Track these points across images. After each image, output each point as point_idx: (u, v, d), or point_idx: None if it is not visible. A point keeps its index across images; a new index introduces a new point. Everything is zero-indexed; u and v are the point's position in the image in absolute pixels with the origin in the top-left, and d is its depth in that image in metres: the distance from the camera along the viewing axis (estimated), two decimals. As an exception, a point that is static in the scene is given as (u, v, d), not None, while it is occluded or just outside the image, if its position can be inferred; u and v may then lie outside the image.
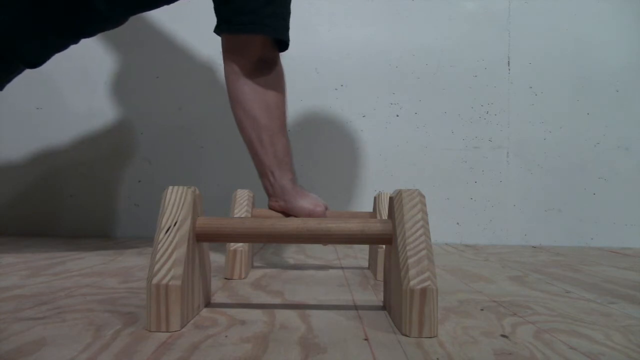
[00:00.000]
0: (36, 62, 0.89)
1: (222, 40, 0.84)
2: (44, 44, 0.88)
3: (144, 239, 1.30)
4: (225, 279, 0.75)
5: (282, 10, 0.82)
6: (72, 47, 0.93)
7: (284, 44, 0.84)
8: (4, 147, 1.39)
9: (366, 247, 1.06)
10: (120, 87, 1.39)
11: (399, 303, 0.47)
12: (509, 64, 1.39)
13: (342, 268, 0.88)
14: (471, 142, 1.38)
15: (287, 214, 0.82)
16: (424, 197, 0.52)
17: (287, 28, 0.83)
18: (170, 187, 0.52)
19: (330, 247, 1.18)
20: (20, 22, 0.81)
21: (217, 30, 0.82)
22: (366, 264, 0.93)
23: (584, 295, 0.67)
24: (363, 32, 1.40)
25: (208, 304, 0.58)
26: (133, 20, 0.94)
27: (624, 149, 1.37)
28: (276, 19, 0.80)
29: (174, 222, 0.49)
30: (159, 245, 0.48)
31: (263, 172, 0.84)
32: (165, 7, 0.90)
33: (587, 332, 0.48)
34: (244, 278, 0.76)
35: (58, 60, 0.95)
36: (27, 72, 0.94)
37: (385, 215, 0.78)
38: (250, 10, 0.78)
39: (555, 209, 1.37)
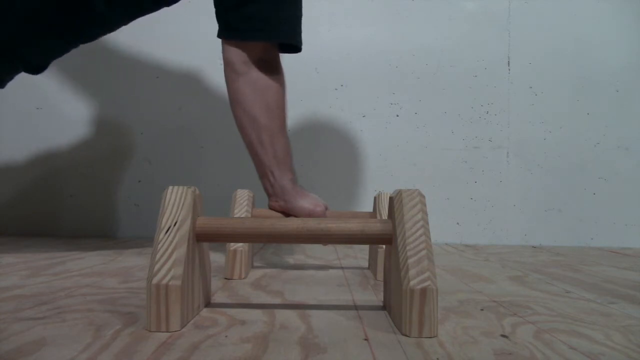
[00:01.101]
0: (38, 67, 0.90)
1: (223, 41, 0.83)
2: (45, 49, 0.88)
3: (144, 239, 1.30)
4: (225, 279, 0.75)
5: (289, 14, 0.82)
6: (72, 47, 0.93)
7: (293, 47, 0.84)
8: (4, 147, 1.39)
9: (366, 247, 1.06)
10: (120, 87, 1.39)
11: (399, 303, 0.47)
12: (509, 64, 1.39)
13: (342, 268, 0.88)
14: (471, 142, 1.38)
15: (287, 214, 0.82)
16: (424, 197, 0.52)
17: (295, 31, 0.83)
18: (170, 187, 0.52)
19: (330, 247, 1.18)
20: (22, 26, 0.81)
21: (222, 35, 0.82)
22: (366, 264, 0.93)
23: (584, 295, 0.67)
24: (363, 32, 1.40)
25: (208, 304, 0.58)
26: (133, 20, 0.94)
27: (624, 149, 1.37)
28: (281, 23, 0.81)
29: (174, 222, 0.49)
30: (159, 245, 0.48)
31: (263, 172, 0.84)
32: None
33: (587, 332, 0.48)
34: (244, 278, 0.76)
35: (58, 61, 0.95)
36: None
37: (385, 215, 0.78)
38: (251, 16, 0.78)
39: (555, 209, 1.37)
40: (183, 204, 0.51)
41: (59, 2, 0.80)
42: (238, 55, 0.82)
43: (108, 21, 0.88)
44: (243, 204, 0.81)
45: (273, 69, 0.84)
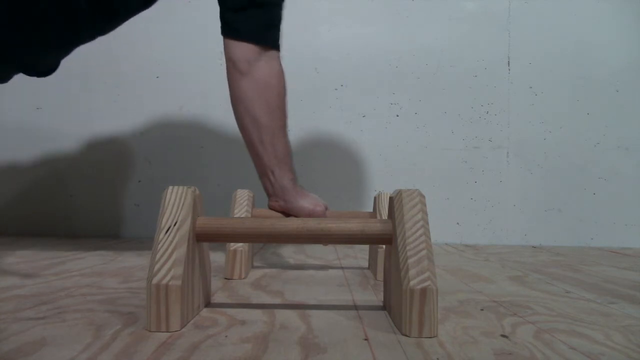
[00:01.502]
0: (45, 70, 0.90)
1: (225, 39, 0.84)
2: (38, 50, 0.88)
3: (144, 239, 1.30)
4: (225, 279, 0.75)
5: (279, 20, 0.85)
6: (72, 47, 0.93)
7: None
8: (4, 147, 1.39)
9: (366, 247, 1.06)
10: (120, 86, 1.39)
11: (399, 303, 0.47)
12: (509, 64, 1.39)
13: (342, 268, 0.88)
14: (471, 142, 1.38)
15: (287, 214, 0.82)
16: (424, 197, 0.52)
17: (278, 37, 0.87)
18: (170, 187, 0.52)
19: (330, 247, 1.18)
20: (16, 26, 0.81)
21: (225, 33, 0.82)
22: (366, 264, 0.93)
23: (584, 295, 0.67)
24: (363, 32, 1.40)
25: (208, 304, 0.58)
26: (133, 19, 0.94)
27: (624, 149, 1.37)
28: (274, 28, 0.83)
29: (174, 222, 0.49)
30: (159, 245, 0.48)
31: (263, 172, 0.84)
32: (166, 6, 0.90)
33: (587, 332, 0.48)
34: (244, 278, 0.76)
35: (58, 60, 0.95)
36: (27, 72, 0.94)
37: (385, 215, 0.78)
38: (254, 18, 0.79)
39: (555, 209, 1.37)
40: (183, 204, 0.51)
41: (49, 3, 0.80)
42: (241, 53, 0.82)
43: (99, 21, 0.88)
44: (243, 204, 0.81)
45: (274, 69, 0.85)
